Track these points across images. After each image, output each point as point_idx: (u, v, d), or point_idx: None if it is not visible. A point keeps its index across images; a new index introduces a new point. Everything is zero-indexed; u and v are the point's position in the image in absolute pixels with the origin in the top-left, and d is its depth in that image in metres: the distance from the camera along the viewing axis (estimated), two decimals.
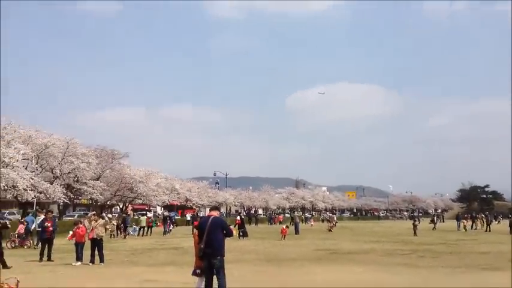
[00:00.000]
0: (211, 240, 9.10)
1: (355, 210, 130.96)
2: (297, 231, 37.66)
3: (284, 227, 33.01)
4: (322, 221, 72.97)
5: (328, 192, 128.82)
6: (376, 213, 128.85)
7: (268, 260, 18.14)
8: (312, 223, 60.40)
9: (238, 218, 35.73)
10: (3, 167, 30.35)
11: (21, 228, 25.10)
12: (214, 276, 9.18)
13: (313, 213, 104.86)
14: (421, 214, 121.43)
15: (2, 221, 16.54)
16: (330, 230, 42.41)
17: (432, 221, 50.83)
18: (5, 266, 14.84)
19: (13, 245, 24.20)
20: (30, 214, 32.15)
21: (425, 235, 35.76)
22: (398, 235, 36.19)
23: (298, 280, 12.86)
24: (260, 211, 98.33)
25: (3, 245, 24.00)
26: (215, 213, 9.71)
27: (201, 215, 58.56)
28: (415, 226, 36.78)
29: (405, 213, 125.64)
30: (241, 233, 30.86)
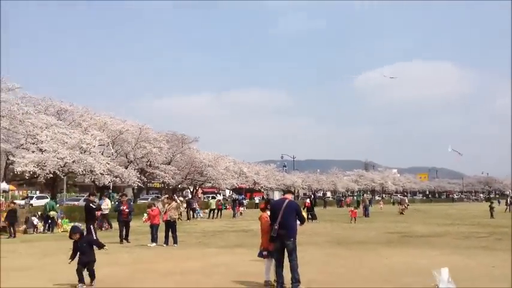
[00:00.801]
0: (285, 222, 9.19)
1: (427, 193, 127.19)
2: (366, 214, 37.11)
3: (352, 209, 32.60)
4: (393, 203, 71.51)
5: (398, 174, 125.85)
6: (450, 196, 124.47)
7: (339, 242, 17.99)
8: (381, 205, 59.22)
9: (307, 200, 35.71)
10: (81, 152, 31.84)
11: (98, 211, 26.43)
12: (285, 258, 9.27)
13: (383, 195, 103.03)
14: (497, 196, 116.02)
15: (95, 203, 17.43)
16: (401, 213, 41.46)
17: (506, 203, 48.47)
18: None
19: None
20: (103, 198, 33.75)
21: (503, 217, 34.16)
22: (474, 217, 34.77)
23: (369, 263, 12.66)
24: (328, 194, 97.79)
25: (83, 227, 25.46)
26: (289, 197, 9.80)
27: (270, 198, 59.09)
28: (491, 208, 35.20)
29: (481, 195, 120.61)
30: (310, 216, 30.81)
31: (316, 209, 36.59)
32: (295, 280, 9.02)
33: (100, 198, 36.53)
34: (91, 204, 16.67)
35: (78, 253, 9.37)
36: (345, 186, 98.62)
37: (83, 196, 51.62)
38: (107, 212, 25.38)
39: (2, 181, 28.35)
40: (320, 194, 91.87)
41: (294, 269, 9.05)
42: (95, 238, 15.64)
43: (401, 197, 60.61)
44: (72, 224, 25.22)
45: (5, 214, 22.70)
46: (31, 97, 35.70)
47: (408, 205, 48.29)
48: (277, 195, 69.72)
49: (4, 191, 28.36)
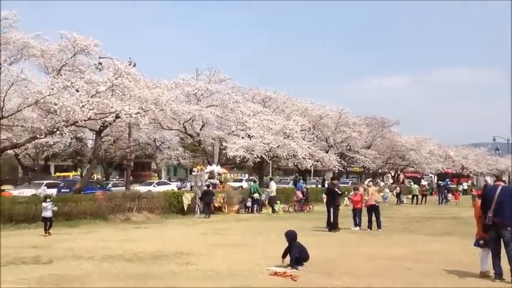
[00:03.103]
0: (500, 209, 8.53)
1: None
2: None
3: None
4: None
5: None
6: None
7: None
8: None
9: None
10: (284, 137, 33.33)
11: (299, 194, 27.49)
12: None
13: None
14: None
15: (339, 188, 18.05)
16: None
17: None
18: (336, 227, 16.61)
19: (294, 209, 26.68)
20: (301, 181, 34.76)
21: None
22: None
23: None
24: None
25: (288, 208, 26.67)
26: (502, 183, 9.14)
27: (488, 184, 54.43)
28: None
29: None
30: None
31: None
32: None
33: (306, 182, 38.20)
34: (335, 188, 17.40)
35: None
36: None
37: (286, 179, 54.38)
38: (273, 194, 26.03)
39: (217, 165, 31.21)
40: None
41: None
42: (332, 221, 16.38)
43: None
44: (280, 205, 26.59)
45: (219, 195, 24.95)
46: (240, 87, 38.65)
47: None
48: (489, 181, 64.09)
49: (218, 174, 31.19)
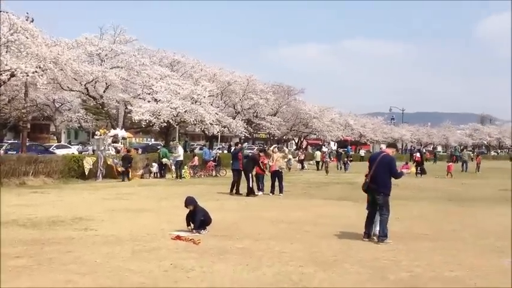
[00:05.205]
0: (376, 176, 9.22)
1: None
2: (464, 169, 37.49)
3: (450, 164, 32.77)
4: (511, 159, 66.92)
5: None
6: None
7: (450, 198, 17.25)
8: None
9: (417, 154, 34.75)
10: (192, 103, 33.04)
11: (195, 159, 27.73)
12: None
13: (499, 151, 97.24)
14: None
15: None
16: None
17: None
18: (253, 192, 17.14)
19: (205, 175, 26.93)
20: (206, 147, 34.97)
21: None
22: None
23: (485, 222, 12.02)
24: (439, 148, 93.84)
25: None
26: (389, 151, 9.76)
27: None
28: None
29: None
30: (419, 171, 29.86)
31: (426, 164, 35.45)
32: (383, 234, 9.11)
33: (212, 148, 38.35)
34: (257, 157, 18.11)
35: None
36: (458, 140, 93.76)
37: (193, 144, 54.23)
38: (180, 159, 25.24)
39: (121, 129, 30.38)
40: (430, 148, 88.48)
41: (382, 223, 9.16)
42: (250, 186, 16.87)
43: None
44: (187, 170, 26.48)
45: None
46: (146, 49, 37.49)
47: None
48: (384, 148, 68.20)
49: (123, 138, 30.40)
